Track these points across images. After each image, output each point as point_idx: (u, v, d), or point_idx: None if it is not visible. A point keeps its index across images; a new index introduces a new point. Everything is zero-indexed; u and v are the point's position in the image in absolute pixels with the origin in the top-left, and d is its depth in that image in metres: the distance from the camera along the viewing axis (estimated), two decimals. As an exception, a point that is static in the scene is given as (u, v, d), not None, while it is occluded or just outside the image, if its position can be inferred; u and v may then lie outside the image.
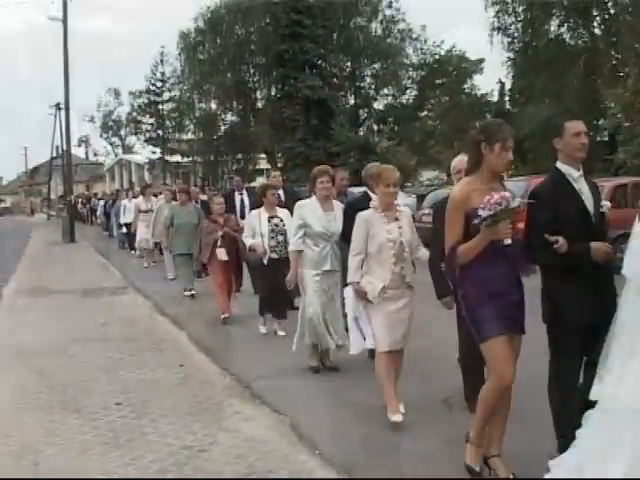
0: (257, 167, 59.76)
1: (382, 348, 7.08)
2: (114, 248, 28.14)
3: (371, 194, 8.88)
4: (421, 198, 27.88)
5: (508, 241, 5.36)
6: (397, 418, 6.84)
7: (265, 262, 11.05)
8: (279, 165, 52.74)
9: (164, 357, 10.21)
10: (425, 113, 57.28)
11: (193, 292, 15.62)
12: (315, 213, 9.06)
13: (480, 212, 5.23)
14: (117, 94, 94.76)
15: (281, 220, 11.16)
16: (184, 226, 15.50)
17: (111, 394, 8.39)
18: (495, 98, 55.68)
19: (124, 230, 25.82)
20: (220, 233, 12.65)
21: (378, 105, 58.12)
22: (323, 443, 6.47)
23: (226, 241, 12.63)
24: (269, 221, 11.15)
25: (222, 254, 12.59)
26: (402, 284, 7.18)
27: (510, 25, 44.01)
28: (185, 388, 8.59)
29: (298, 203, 9.37)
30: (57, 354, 10.57)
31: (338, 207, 9.34)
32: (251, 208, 13.47)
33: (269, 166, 55.98)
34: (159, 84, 62.02)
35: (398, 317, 7.15)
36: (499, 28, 43.98)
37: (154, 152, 63.50)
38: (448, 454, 6.10)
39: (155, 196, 23.35)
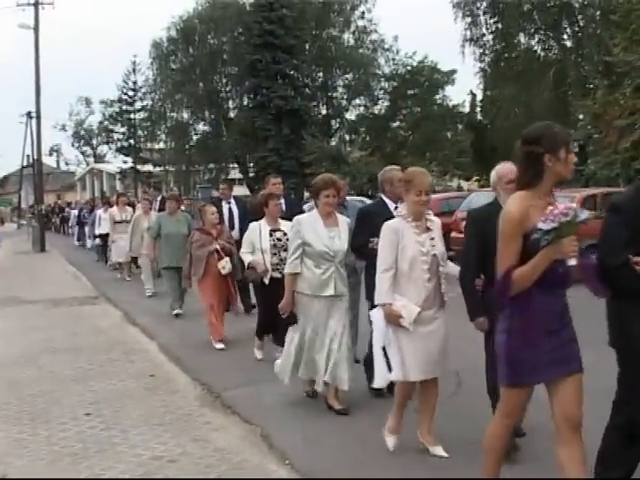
0: (229, 177, 59.69)
1: (413, 377, 6.33)
2: (85, 258, 27.93)
3: (387, 200, 8.10)
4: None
5: (573, 261, 4.54)
6: (391, 442, 6.50)
7: (266, 282, 9.70)
8: (251, 175, 52.74)
9: (134, 367, 10.12)
10: (397, 123, 57.47)
11: (179, 312, 14.33)
12: (315, 230, 7.90)
13: (541, 225, 4.40)
14: (89, 103, 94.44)
15: (284, 234, 9.68)
16: (172, 237, 14.24)
17: (81, 404, 8.32)
18: (467, 109, 56.01)
19: (98, 241, 24.78)
20: (216, 246, 11.40)
21: (350, 115, 58.35)
22: (293, 453, 6.47)
23: (220, 255, 11.40)
24: (271, 235, 9.83)
25: (221, 267, 11.29)
26: (435, 303, 6.39)
27: (481, 37, 44.35)
28: (155, 398, 8.53)
29: (296, 218, 8.23)
30: (26, 364, 10.48)
31: (342, 222, 8.14)
32: (241, 218, 12.98)
33: (241, 176, 55.95)
34: (131, 93, 61.85)
35: (432, 341, 6.34)
36: (471, 39, 44.32)
37: (126, 161, 63.32)
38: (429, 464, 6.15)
39: (130, 206, 22.25)
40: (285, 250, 9.26)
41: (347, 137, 58.87)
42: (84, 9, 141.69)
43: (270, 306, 9.23)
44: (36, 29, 35.62)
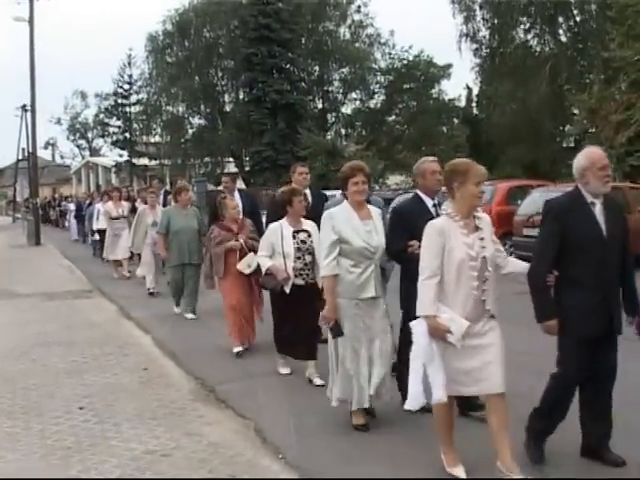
0: (225, 171, 59.60)
1: (450, 392, 5.65)
2: (81, 252, 27.87)
3: (423, 196, 7.33)
4: (388, 202, 27.93)
5: None
6: (461, 472, 5.82)
7: (287, 290, 8.57)
8: (246, 169, 52.68)
9: (128, 361, 10.12)
10: (393, 118, 57.40)
11: (187, 317, 13.13)
12: (351, 224, 7.02)
13: None
14: (84, 96, 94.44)
15: (309, 235, 8.76)
16: (183, 233, 13.28)
17: (74, 398, 8.31)
18: (462, 103, 55.98)
19: (97, 237, 23.97)
20: (240, 242, 10.37)
21: (346, 109, 58.26)
22: (287, 447, 6.46)
23: (242, 251, 10.35)
24: (294, 237, 8.70)
25: (245, 265, 10.22)
26: (483, 314, 5.70)
27: (477, 31, 44.33)
28: (149, 392, 8.53)
29: (328, 212, 7.23)
30: (20, 358, 10.47)
31: (375, 213, 7.33)
32: (247, 213, 11.87)
33: (237, 169, 55.88)
34: (126, 86, 61.72)
35: (485, 355, 5.66)
36: (467, 34, 44.30)
37: (121, 155, 63.23)
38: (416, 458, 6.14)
39: (129, 200, 21.46)
40: (310, 253, 8.65)
41: (343, 131, 58.81)
42: (79, 2, 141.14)
43: (292, 318, 8.59)
44: (31, 22, 35.52)
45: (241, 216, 11.33)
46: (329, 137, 53.92)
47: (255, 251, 9.98)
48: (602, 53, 32.14)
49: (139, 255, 17.36)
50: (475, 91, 53.01)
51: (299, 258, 8.67)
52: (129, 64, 60.97)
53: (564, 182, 18.47)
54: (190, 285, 13.34)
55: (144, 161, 61.88)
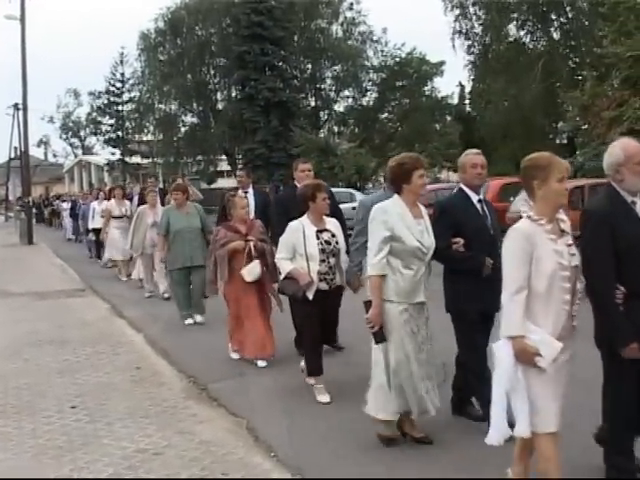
0: (218, 169, 59.63)
1: (551, 427, 4.88)
2: (74, 251, 27.81)
3: (468, 191, 6.83)
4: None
5: None
6: None
7: (310, 296, 7.76)
8: (239, 166, 52.67)
9: (121, 360, 10.07)
10: (385, 115, 57.50)
11: (200, 319, 12.45)
12: (405, 221, 6.42)
13: None
14: (77, 95, 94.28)
15: (332, 235, 8.05)
16: (184, 233, 12.42)
17: (66, 397, 8.28)
18: (455, 100, 56.07)
19: (92, 236, 23.50)
20: (250, 244, 9.54)
21: (339, 107, 58.36)
22: (279, 445, 6.45)
23: (249, 256, 9.56)
24: (317, 237, 7.95)
25: (247, 272, 9.48)
26: (571, 331, 4.99)
27: (471, 28, 44.39)
28: (141, 391, 8.49)
29: (379, 206, 6.57)
30: (12, 357, 10.43)
31: (425, 212, 6.73)
32: (260, 212, 11.27)
33: (229, 168, 55.87)
34: (119, 85, 61.72)
35: (562, 377, 4.98)
36: (460, 31, 44.35)
37: (114, 153, 63.21)
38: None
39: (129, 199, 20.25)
40: (334, 255, 7.99)
41: (336, 129, 58.90)
42: (71, 0, 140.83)
43: (316, 325, 7.95)
44: (22, 20, 35.40)
45: (252, 216, 10.73)
46: (322, 135, 53.97)
47: (265, 255, 9.64)
48: (594, 50, 32.23)
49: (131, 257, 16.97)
50: (468, 88, 53.17)
51: (323, 261, 7.92)
52: (121, 62, 61.00)
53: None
54: (197, 288, 12.46)
55: (137, 159, 61.87)
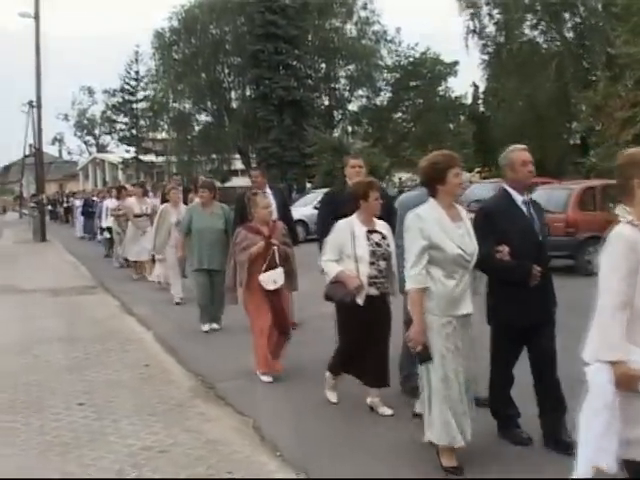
0: (232, 168, 59.67)
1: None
2: (86, 249, 27.87)
3: (511, 191, 6.34)
4: (393, 199, 27.93)
5: None
6: None
7: (360, 302, 7.11)
8: (253, 165, 52.69)
9: (129, 357, 10.12)
10: (399, 115, 57.40)
11: (216, 326, 11.87)
12: (443, 227, 5.91)
13: None
14: (91, 92, 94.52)
15: (383, 237, 7.40)
16: (206, 233, 11.83)
17: (74, 394, 8.33)
18: (469, 100, 55.94)
19: (107, 235, 23.36)
20: (275, 248, 8.81)
21: (352, 106, 58.26)
22: (285, 445, 6.46)
23: (272, 261, 8.79)
24: (368, 238, 7.31)
25: (270, 280, 8.73)
26: None
27: (484, 28, 44.31)
28: (149, 388, 8.54)
29: (414, 213, 6.02)
30: (22, 353, 10.49)
31: (464, 213, 6.23)
32: (279, 212, 10.84)
33: (243, 166, 55.91)
34: (133, 83, 61.87)
35: None
36: (473, 31, 44.27)
37: (128, 151, 63.36)
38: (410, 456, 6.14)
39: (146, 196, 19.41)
40: (385, 259, 7.32)
41: (349, 128, 58.79)
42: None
43: (364, 334, 7.29)
44: (37, 18, 35.55)
45: (275, 216, 10.11)
46: (336, 134, 53.93)
47: (289, 261, 9.07)
48: (608, 50, 32.14)
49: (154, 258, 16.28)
50: (482, 88, 53.03)
51: (373, 264, 7.27)
52: (136, 60, 61.11)
53: (570, 179, 18.47)
54: (217, 292, 11.71)
55: (151, 157, 61.97)
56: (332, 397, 7.77)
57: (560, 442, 5.97)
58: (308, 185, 47.88)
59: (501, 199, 6.45)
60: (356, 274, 7.20)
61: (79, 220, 35.75)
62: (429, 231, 5.84)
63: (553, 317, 6.30)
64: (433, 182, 6.01)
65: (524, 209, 6.28)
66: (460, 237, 5.92)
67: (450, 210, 5.99)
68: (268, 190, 11.47)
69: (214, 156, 57.57)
